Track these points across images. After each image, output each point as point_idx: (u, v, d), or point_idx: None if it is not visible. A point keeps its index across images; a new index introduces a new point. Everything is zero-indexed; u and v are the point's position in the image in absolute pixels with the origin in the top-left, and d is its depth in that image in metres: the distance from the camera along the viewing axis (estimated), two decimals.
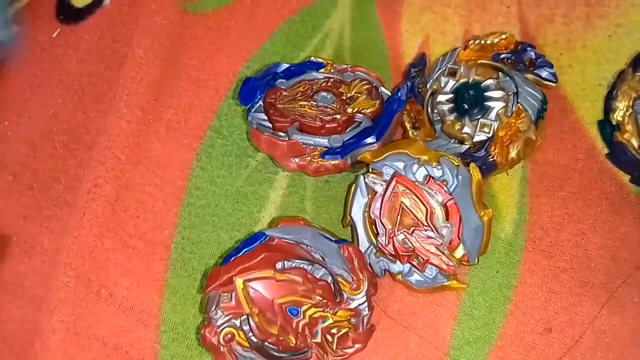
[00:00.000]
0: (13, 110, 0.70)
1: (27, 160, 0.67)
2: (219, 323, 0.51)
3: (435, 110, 0.60)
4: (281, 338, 0.50)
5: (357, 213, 0.57)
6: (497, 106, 0.58)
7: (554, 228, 0.58)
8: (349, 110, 0.58)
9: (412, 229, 0.54)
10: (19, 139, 0.68)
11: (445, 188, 0.54)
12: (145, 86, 0.68)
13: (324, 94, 0.60)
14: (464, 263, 0.55)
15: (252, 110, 0.60)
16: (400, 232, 0.54)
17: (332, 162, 0.58)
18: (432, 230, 0.54)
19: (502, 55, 0.61)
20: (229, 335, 0.51)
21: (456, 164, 0.55)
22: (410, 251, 0.54)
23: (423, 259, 0.54)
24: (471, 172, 0.55)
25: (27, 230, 0.64)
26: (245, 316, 0.51)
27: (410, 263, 0.55)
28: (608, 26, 0.64)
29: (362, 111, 0.59)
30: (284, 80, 0.61)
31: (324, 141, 0.58)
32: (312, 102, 0.59)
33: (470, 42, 0.62)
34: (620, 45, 0.63)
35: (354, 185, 0.57)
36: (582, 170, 0.60)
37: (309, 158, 0.58)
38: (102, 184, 0.63)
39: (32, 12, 0.75)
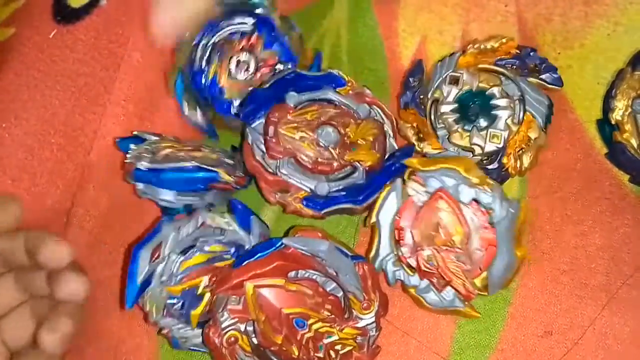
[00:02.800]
0: (10, 112, 0.68)
1: (24, 163, 0.66)
2: (224, 325, 0.50)
3: (439, 120, 0.59)
4: (284, 348, 0.50)
5: (385, 216, 0.54)
6: (504, 115, 0.57)
7: (553, 229, 0.57)
8: (347, 158, 0.56)
9: (442, 247, 0.52)
10: (17, 142, 0.67)
11: (488, 216, 0.52)
12: (143, 90, 0.67)
13: (329, 129, 0.56)
14: (480, 292, 0.53)
15: (253, 124, 0.57)
16: (429, 248, 0.52)
17: (310, 212, 0.55)
18: (464, 255, 0.52)
19: (505, 61, 0.59)
20: (233, 339, 0.50)
21: (508, 196, 0.53)
22: (433, 269, 0.52)
23: (444, 279, 0.52)
24: (521, 208, 0.53)
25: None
26: (251, 321, 0.50)
27: (430, 281, 0.53)
28: (607, 25, 0.63)
29: (360, 162, 0.56)
30: (295, 94, 0.57)
31: (310, 185, 0.56)
32: (314, 136, 0.56)
33: (469, 47, 0.60)
34: (619, 44, 0.62)
35: (389, 187, 0.55)
36: (581, 171, 0.59)
37: (290, 198, 0.55)
38: (99, 192, 0.63)
39: (29, 12, 0.74)
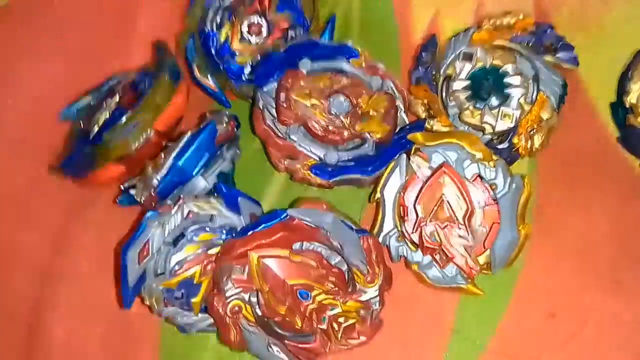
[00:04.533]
0: (10, 79, 0.69)
1: (25, 130, 0.67)
2: (228, 294, 0.51)
3: (451, 98, 0.59)
4: (287, 319, 0.51)
5: (389, 192, 0.56)
6: (517, 94, 0.57)
7: (561, 212, 0.59)
8: (358, 128, 0.57)
9: (445, 223, 0.53)
10: (18, 109, 0.68)
11: (492, 192, 0.53)
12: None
13: (341, 99, 0.57)
14: (484, 270, 0.54)
15: (264, 88, 0.58)
16: (432, 224, 0.54)
17: (318, 180, 0.57)
18: (466, 231, 0.53)
19: (521, 39, 0.59)
20: (236, 308, 0.51)
21: (511, 172, 0.54)
22: (436, 245, 0.53)
23: (447, 256, 0.53)
24: (525, 184, 0.54)
25: (34, 202, 0.64)
26: (255, 291, 0.52)
27: (432, 256, 0.54)
28: (624, 6, 0.64)
29: (370, 133, 0.57)
30: (308, 61, 0.58)
31: (319, 153, 0.57)
32: (326, 104, 0.57)
33: (484, 23, 0.60)
34: (636, 26, 0.63)
35: (393, 162, 0.56)
36: (592, 155, 0.60)
37: (298, 165, 0.57)
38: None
39: None
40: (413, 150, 0.56)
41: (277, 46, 0.60)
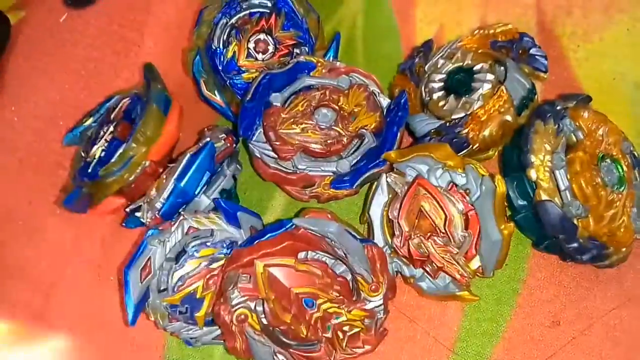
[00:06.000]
0: (20, 95, 0.73)
1: (32, 145, 0.70)
2: (234, 302, 0.53)
3: (426, 89, 0.63)
4: (293, 327, 0.53)
5: (376, 211, 0.58)
6: (483, 87, 0.60)
7: None
8: (352, 128, 0.59)
9: (428, 234, 0.55)
10: (26, 124, 0.72)
11: (467, 197, 0.55)
12: None
13: (324, 111, 0.60)
14: (479, 275, 0.56)
15: (253, 138, 0.61)
16: (417, 236, 0.55)
17: (344, 192, 0.59)
18: (449, 238, 0.55)
19: (499, 44, 0.62)
20: (242, 316, 0.53)
21: (482, 173, 0.55)
22: (424, 256, 0.55)
23: (436, 266, 0.55)
24: (496, 184, 0.55)
25: (33, 215, 0.67)
26: (260, 300, 0.54)
27: (423, 268, 0.56)
28: (627, 20, 0.67)
29: (364, 127, 0.60)
30: (277, 94, 0.61)
31: (331, 167, 0.59)
32: (313, 122, 0.60)
33: (474, 31, 0.64)
34: (638, 39, 0.66)
35: (375, 182, 0.59)
36: None
37: (319, 188, 0.59)
38: None
39: None
40: (389, 169, 0.59)
41: (282, 63, 0.63)
